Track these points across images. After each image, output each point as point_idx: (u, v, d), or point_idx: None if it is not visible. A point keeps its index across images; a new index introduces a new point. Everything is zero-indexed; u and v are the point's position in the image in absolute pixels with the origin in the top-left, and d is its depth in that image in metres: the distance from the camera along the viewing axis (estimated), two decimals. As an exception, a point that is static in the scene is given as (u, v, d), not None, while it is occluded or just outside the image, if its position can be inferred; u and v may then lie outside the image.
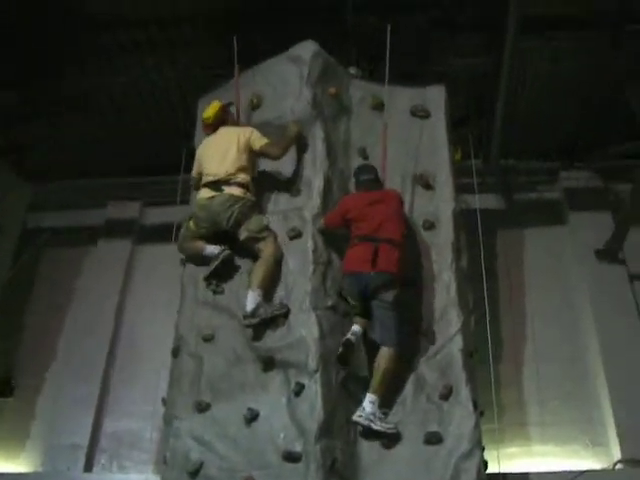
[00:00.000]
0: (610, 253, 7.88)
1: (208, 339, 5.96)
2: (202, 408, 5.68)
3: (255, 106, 6.82)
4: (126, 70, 8.09)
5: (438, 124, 6.90)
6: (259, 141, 6.20)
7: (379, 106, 6.83)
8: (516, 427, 7.11)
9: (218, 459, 5.47)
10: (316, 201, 6.12)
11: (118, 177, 9.26)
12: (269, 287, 5.77)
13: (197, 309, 6.19)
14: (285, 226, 6.10)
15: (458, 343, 5.81)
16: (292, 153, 6.43)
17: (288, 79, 6.71)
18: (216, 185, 6.07)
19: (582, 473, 6.68)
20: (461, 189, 6.93)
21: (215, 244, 6.09)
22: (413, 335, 5.88)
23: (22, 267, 8.97)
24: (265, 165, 6.52)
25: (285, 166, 6.45)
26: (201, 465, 5.50)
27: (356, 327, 5.49)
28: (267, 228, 5.98)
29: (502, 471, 6.41)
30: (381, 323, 5.52)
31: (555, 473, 6.75)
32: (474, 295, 6.55)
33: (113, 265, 8.68)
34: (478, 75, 7.97)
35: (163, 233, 7.96)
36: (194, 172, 6.54)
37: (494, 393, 6.64)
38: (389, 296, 5.56)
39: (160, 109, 8.55)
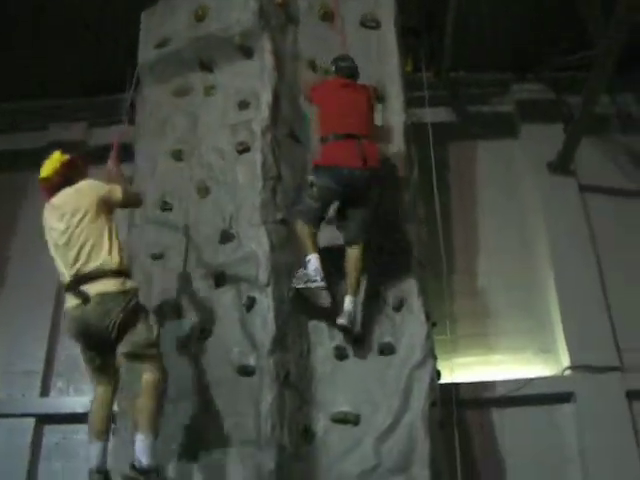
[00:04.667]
0: (561, 165, 7.90)
1: (158, 257, 5.89)
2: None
3: (200, 18, 6.58)
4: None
5: (388, 35, 6.76)
6: (104, 191, 4.85)
7: (328, 16, 6.65)
8: (469, 337, 7.21)
9: (174, 377, 5.47)
10: (265, 114, 5.98)
11: (60, 98, 8.92)
12: (156, 426, 4.47)
13: (146, 227, 6.10)
14: (233, 140, 5.98)
15: (410, 254, 5.83)
16: (241, 65, 6.28)
17: (234, -11, 6.48)
18: (76, 289, 4.52)
19: (531, 380, 6.88)
20: (412, 102, 6.84)
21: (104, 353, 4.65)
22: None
23: (-36, 193, 8.70)
24: (213, 79, 6.37)
25: (233, 79, 6.30)
26: (156, 383, 5.50)
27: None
28: (157, 343, 4.76)
29: (455, 380, 6.58)
30: (358, 221, 5.47)
31: (506, 381, 6.91)
32: (426, 208, 6.55)
33: (60, 187, 8.44)
34: (429, -16, 7.80)
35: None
36: None
37: (447, 304, 6.76)
38: (375, 194, 5.56)
39: (103, 25, 8.20)
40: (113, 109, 7.96)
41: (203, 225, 5.83)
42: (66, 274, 4.61)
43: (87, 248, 4.56)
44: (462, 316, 7.24)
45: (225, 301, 5.48)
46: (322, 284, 5.20)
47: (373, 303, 5.66)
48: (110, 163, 5.28)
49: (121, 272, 4.60)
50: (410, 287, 5.74)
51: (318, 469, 5.22)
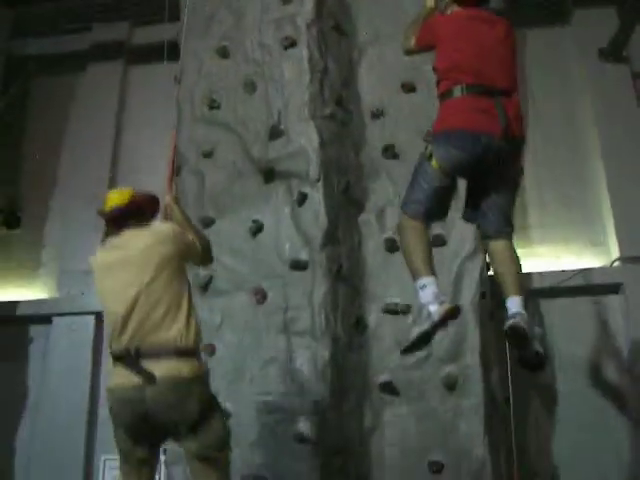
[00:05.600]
0: (613, 51, 7.61)
1: (208, 155, 5.94)
2: (207, 223, 5.76)
3: None
4: None
5: None
6: (185, 243, 3.76)
7: None
8: (518, 229, 7.07)
9: (226, 272, 5.62)
10: (309, 7, 5.88)
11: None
12: None
13: (195, 126, 6.13)
14: (278, 35, 5.90)
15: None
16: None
17: None
18: (136, 364, 3.44)
19: (580, 271, 6.88)
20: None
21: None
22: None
23: (13, 97, 8.73)
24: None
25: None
26: (210, 279, 5.66)
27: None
28: (229, 442, 3.69)
29: (504, 272, 6.60)
30: (500, 207, 3.94)
31: (556, 272, 6.93)
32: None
33: (106, 88, 8.36)
34: None
35: (154, 53, 7.65)
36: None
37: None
38: (519, 171, 4.04)
39: None
40: (155, 7, 7.83)
41: (251, 121, 5.84)
42: (121, 341, 3.52)
43: (158, 314, 3.50)
44: (512, 208, 7.17)
45: (276, 197, 5.55)
46: (452, 308, 3.74)
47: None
48: (168, 198, 4.04)
49: (195, 351, 3.58)
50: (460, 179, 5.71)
51: (371, 359, 5.40)
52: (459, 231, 5.55)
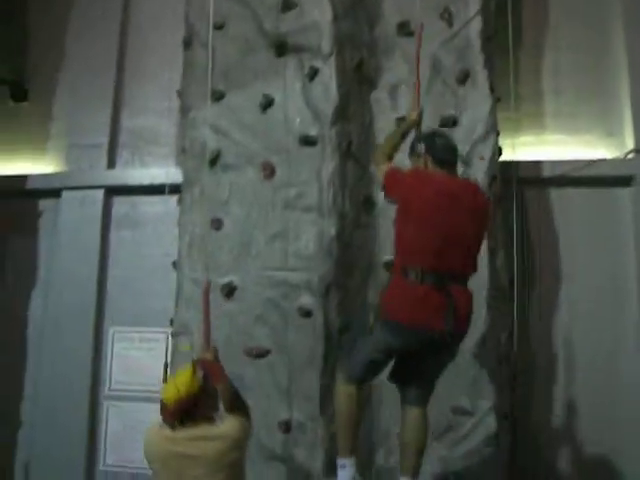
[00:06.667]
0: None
1: (219, 27, 5.78)
2: (217, 97, 5.68)
3: None
4: None
5: None
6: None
7: None
8: (532, 116, 7.03)
9: (235, 146, 5.59)
10: None
11: None
12: None
13: (205, -3, 5.95)
14: None
15: (477, 26, 5.62)
16: None
17: None
18: None
19: (592, 162, 6.80)
20: None
21: None
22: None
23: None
24: None
25: None
26: (219, 153, 5.64)
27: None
28: None
29: (516, 158, 6.56)
30: (425, 379, 4.10)
31: (567, 161, 6.85)
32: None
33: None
34: None
35: None
36: None
37: (512, 81, 6.56)
38: (454, 351, 4.13)
39: None
40: None
41: (263, -8, 5.66)
42: None
43: None
44: (527, 94, 6.96)
45: (287, 71, 5.46)
46: None
47: (436, 75, 5.54)
48: (208, 355, 3.93)
49: None
50: (475, 59, 5.58)
51: (378, 237, 5.42)
52: (471, 113, 5.49)
